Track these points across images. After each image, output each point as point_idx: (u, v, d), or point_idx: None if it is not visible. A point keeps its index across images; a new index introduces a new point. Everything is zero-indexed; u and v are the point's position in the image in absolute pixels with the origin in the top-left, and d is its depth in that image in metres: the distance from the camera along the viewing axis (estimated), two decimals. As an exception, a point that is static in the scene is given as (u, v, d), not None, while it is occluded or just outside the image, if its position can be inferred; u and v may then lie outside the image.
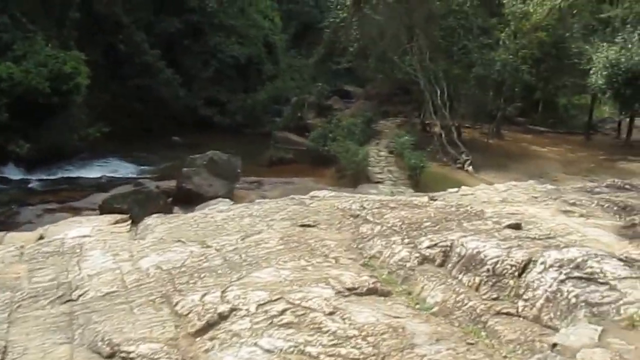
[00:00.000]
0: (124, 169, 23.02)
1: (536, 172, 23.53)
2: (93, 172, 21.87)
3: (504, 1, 25.57)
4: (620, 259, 4.47)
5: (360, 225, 6.24)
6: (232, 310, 4.29)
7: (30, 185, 19.99)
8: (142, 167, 23.69)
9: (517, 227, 5.79)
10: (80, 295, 4.98)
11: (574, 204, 7.44)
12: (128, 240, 6.55)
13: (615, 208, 7.18)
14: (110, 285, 5.06)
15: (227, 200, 14.82)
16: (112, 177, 21.46)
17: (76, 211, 16.09)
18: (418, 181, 20.61)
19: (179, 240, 6.12)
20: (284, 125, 29.80)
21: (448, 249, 5.21)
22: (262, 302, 4.34)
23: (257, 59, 33.16)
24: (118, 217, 8.36)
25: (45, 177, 20.75)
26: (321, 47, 31.00)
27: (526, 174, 23.13)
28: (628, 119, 28.07)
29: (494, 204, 9.14)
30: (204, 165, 17.88)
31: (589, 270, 4.26)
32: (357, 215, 6.57)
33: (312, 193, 11.02)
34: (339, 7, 29.73)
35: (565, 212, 7.08)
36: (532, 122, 32.31)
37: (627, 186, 8.62)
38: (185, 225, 6.79)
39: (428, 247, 5.30)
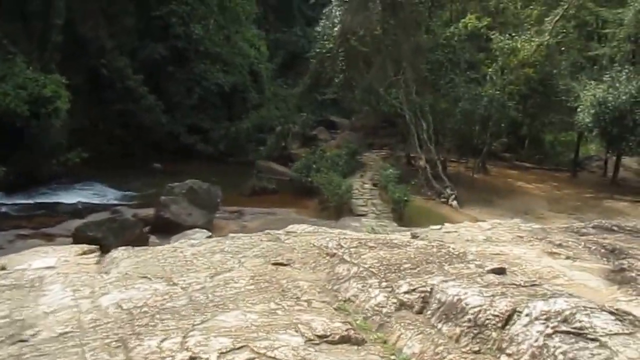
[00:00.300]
0: (102, 195, 22.52)
1: (522, 208, 23.39)
2: (71, 197, 21.33)
3: (492, 36, 25.65)
4: (611, 312, 4.15)
5: (336, 265, 5.89)
6: (192, 359, 3.91)
7: (4, 210, 19.38)
8: (122, 194, 23.20)
9: (501, 271, 5.48)
10: (32, 335, 4.55)
11: (560, 245, 7.16)
12: (90, 275, 6.13)
13: (602, 250, 6.90)
14: (66, 324, 4.64)
15: (205, 230, 14.46)
16: (90, 203, 20.96)
17: (49, 238, 15.64)
18: (402, 215, 20.32)
19: (144, 277, 5.72)
20: (267, 154, 29.52)
21: (427, 294, 4.87)
22: (224, 351, 3.95)
23: (242, 87, 32.99)
24: (86, 247, 7.93)
25: (21, 202, 20.14)
26: (307, 77, 30.91)
27: (511, 211, 22.95)
28: (615, 157, 28.04)
29: (478, 242, 8.82)
30: (183, 194, 17.50)
31: (577, 324, 3.93)
32: (334, 254, 6.21)
33: (288, 227, 10.64)
34: (325, 37, 29.75)
35: (552, 253, 6.80)
36: (518, 157, 32.25)
37: (614, 227, 8.35)
38: (152, 259, 6.39)
39: (406, 292, 4.96)
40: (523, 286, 4.92)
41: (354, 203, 21.56)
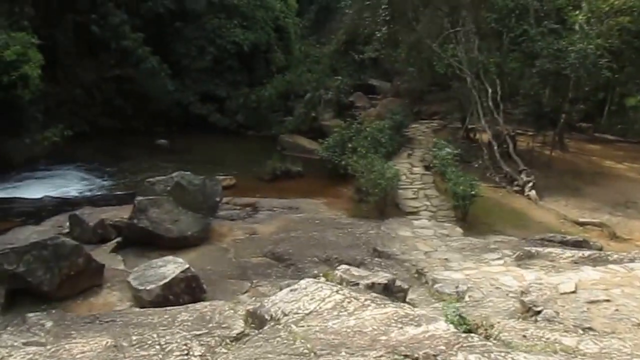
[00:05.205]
0: (77, 186, 17.77)
1: (619, 199, 17.97)
2: (39, 189, 16.65)
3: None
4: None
5: None
6: None
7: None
8: (104, 182, 18.44)
9: None
10: None
11: None
12: None
13: None
14: None
15: (180, 261, 9.52)
16: (59, 197, 16.27)
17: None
18: (466, 213, 15.13)
19: None
20: (294, 127, 24.50)
21: None
22: None
23: (264, 46, 27.68)
24: None
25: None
26: (341, 32, 25.52)
27: (606, 202, 17.56)
28: None
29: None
30: (168, 192, 12.64)
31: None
32: None
33: (283, 295, 6.02)
34: (365, -19, 24.08)
35: None
36: (597, 128, 26.37)
37: None
38: None
39: None
40: None
41: (402, 195, 16.43)
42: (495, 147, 19.28)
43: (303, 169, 20.39)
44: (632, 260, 9.81)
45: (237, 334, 6.15)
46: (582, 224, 15.63)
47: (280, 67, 27.83)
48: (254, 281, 10.61)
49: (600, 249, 12.81)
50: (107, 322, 7.35)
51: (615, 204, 17.39)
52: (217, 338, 6.00)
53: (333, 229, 13.91)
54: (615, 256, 10.17)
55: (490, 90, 19.85)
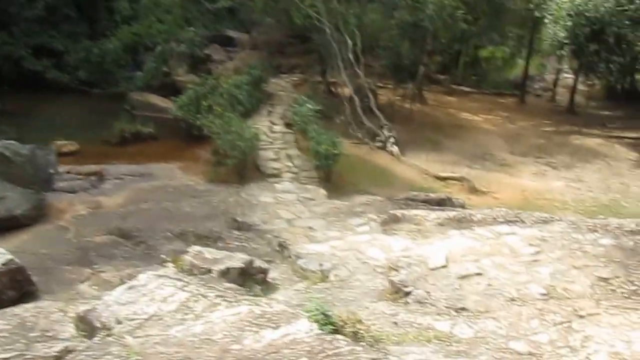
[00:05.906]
0: None
1: (477, 152, 18.26)
2: None
3: None
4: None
5: None
6: None
7: None
8: None
9: None
10: None
11: None
12: None
13: None
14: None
15: (1, 251, 7.97)
16: None
17: None
18: (329, 173, 14.48)
19: None
20: (144, 84, 22.59)
21: None
22: None
23: (107, -8, 25.22)
24: None
25: None
26: (193, -22, 23.74)
27: (466, 156, 17.71)
28: (572, 80, 23.20)
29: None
30: (-13, 165, 10.83)
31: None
32: None
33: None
34: None
35: None
36: (453, 80, 26.73)
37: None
38: None
39: None
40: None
41: (262, 156, 15.46)
42: (357, 102, 18.76)
43: (155, 131, 18.71)
44: (495, 219, 9.53)
45: (60, 351, 4.98)
46: (443, 179, 15.64)
47: (125, 16, 25.33)
48: (96, 266, 9.28)
49: (463, 206, 12.68)
50: None
51: (473, 157, 17.62)
52: (31, 362, 4.81)
53: (189, 198, 12.75)
54: (479, 215, 9.86)
55: (350, 43, 19.19)
